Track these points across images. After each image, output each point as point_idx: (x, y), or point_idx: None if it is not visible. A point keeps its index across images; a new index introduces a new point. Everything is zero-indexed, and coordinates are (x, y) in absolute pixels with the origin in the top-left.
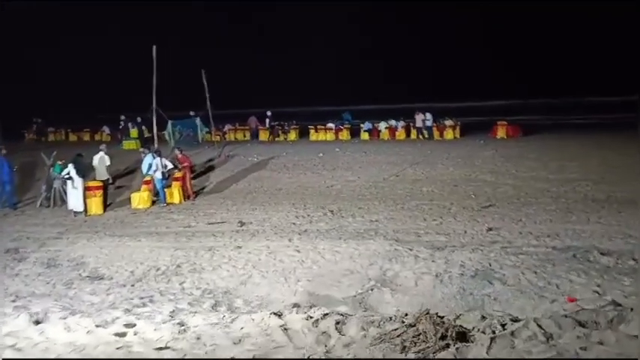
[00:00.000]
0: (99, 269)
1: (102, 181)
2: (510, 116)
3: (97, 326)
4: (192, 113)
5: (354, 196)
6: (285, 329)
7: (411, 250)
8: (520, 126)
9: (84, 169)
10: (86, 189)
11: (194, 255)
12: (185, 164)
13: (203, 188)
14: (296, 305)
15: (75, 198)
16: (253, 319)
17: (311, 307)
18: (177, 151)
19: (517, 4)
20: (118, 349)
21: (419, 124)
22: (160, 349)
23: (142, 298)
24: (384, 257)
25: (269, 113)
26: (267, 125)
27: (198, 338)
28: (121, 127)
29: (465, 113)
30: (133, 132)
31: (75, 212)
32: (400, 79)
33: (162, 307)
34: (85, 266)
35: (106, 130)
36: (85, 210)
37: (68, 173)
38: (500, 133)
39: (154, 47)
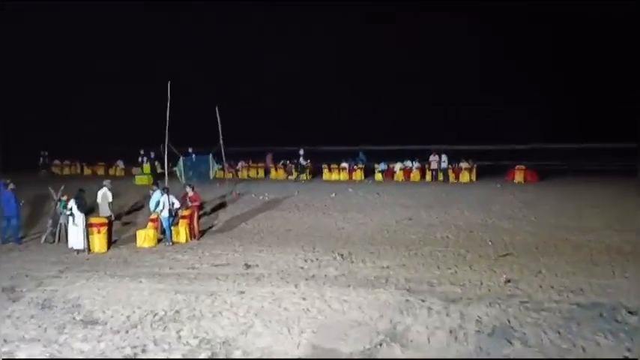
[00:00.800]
0: (94, 313)
1: (106, 217)
2: (527, 160)
3: None
4: (190, 150)
5: (365, 240)
6: None
7: (423, 301)
8: (537, 171)
9: (85, 205)
10: (89, 225)
11: (194, 300)
12: (195, 203)
13: (211, 227)
14: None
15: (75, 235)
16: None
17: None
18: (188, 188)
19: (539, 47)
20: None
21: (434, 165)
22: None
23: (134, 347)
24: (395, 309)
25: (302, 152)
26: (301, 163)
27: None
28: (140, 161)
29: (480, 156)
30: (146, 167)
31: (76, 250)
32: (415, 120)
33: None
34: (80, 309)
35: (120, 164)
36: (88, 247)
37: (70, 209)
38: (518, 177)
39: (169, 83)
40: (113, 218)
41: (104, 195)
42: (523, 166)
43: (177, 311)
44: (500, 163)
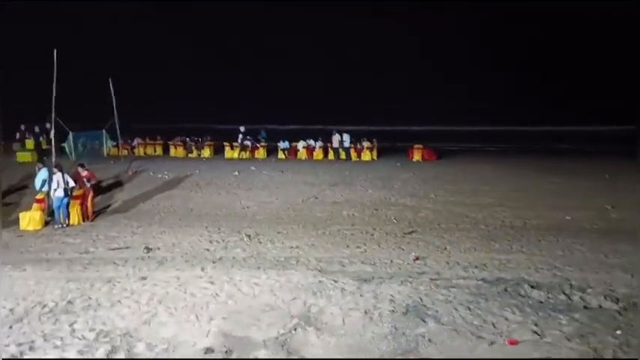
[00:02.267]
0: None
1: None
2: (425, 141)
3: None
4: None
5: (271, 219)
6: None
7: (336, 282)
8: (435, 150)
9: None
10: None
11: (89, 288)
12: (92, 181)
13: (107, 207)
14: (209, 350)
15: None
16: None
17: (226, 352)
18: (79, 168)
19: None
20: None
21: (336, 144)
22: None
23: (20, 344)
24: (308, 290)
25: (242, 129)
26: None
27: None
28: (18, 136)
29: (380, 137)
30: (29, 143)
31: None
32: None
33: (46, 355)
34: None
35: None
36: None
37: None
38: (416, 156)
39: (55, 51)
40: None
41: None
42: (421, 145)
43: (69, 301)
44: (401, 146)
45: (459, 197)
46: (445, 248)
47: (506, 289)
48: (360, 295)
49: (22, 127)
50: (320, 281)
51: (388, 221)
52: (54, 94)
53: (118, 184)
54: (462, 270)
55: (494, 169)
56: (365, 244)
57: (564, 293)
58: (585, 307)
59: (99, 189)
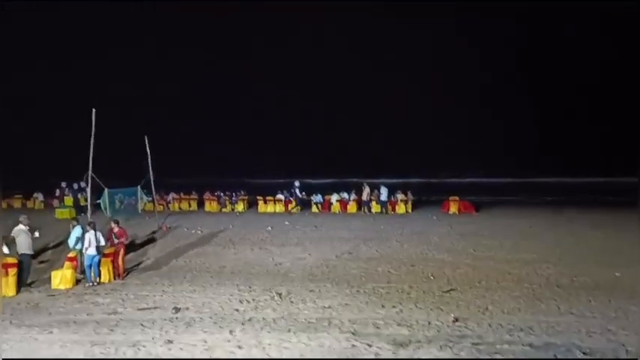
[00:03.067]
0: None
1: (22, 254)
2: (460, 194)
3: None
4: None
5: (304, 276)
6: None
7: (370, 346)
8: (472, 203)
9: None
10: None
11: (114, 353)
12: (122, 239)
13: (138, 264)
14: None
15: None
16: None
17: None
18: (113, 224)
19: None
20: None
21: (365, 197)
22: None
23: None
24: (340, 355)
25: (297, 184)
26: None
27: None
28: (57, 193)
29: (414, 190)
30: (68, 200)
31: None
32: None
33: None
34: None
35: (40, 196)
36: None
37: None
38: (453, 208)
39: (94, 110)
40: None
41: (20, 232)
42: (457, 198)
43: None
44: (434, 199)
45: (500, 253)
46: (487, 308)
47: (556, 356)
48: None
49: (63, 185)
50: (353, 345)
51: (425, 278)
52: (91, 152)
53: (151, 240)
54: (506, 334)
55: (534, 222)
56: (401, 304)
57: None
58: None
59: (131, 246)
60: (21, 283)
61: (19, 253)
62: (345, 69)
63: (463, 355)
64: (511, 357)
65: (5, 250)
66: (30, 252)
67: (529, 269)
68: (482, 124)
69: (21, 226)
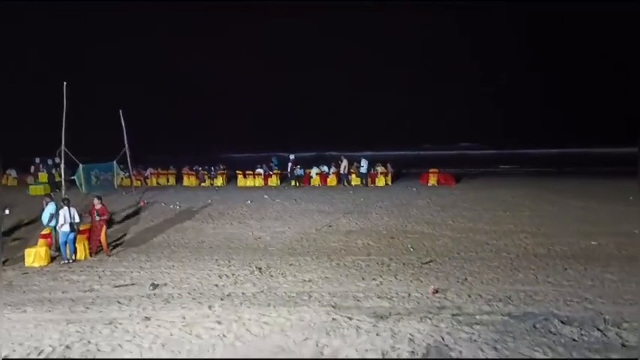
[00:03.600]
0: None
1: None
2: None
3: None
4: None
5: (284, 250)
6: None
7: (350, 319)
8: (452, 174)
9: None
10: None
11: (90, 331)
12: (103, 216)
13: (116, 241)
14: None
15: None
16: None
17: None
18: (95, 200)
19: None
20: None
21: (342, 170)
22: None
23: None
24: (321, 329)
25: (292, 157)
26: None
27: None
28: (32, 170)
29: (394, 163)
30: (42, 176)
31: None
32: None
33: None
34: None
35: (12, 173)
36: None
37: None
38: (432, 180)
39: (65, 84)
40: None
41: None
42: (436, 170)
43: (67, 346)
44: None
45: (479, 224)
46: (466, 279)
47: (535, 326)
48: (377, 335)
49: (37, 160)
50: (334, 319)
51: (405, 250)
52: (63, 127)
53: (129, 216)
54: (485, 304)
55: (513, 194)
56: (381, 276)
57: (598, 329)
58: (623, 345)
59: (110, 222)
60: None
61: None
62: (323, 38)
63: (443, 326)
64: (491, 328)
65: None
66: None
67: (508, 240)
68: (469, 95)
69: None
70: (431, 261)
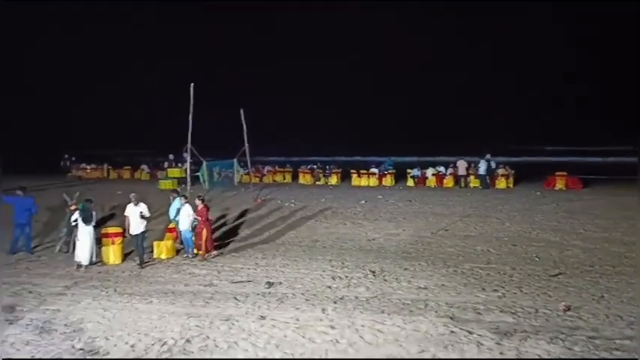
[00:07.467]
0: (96, 340)
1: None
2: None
3: None
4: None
5: (398, 254)
6: None
7: (470, 333)
8: (579, 179)
9: (91, 216)
10: (104, 235)
11: (208, 326)
12: (200, 218)
13: (235, 235)
14: None
15: (79, 248)
16: None
17: None
18: (197, 201)
19: None
20: None
21: (461, 172)
22: None
23: None
24: (438, 342)
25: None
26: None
27: None
28: (166, 165)
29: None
30: (172, 171)
31: (77, 265)
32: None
33: None
34: (81, 334)
35: (145, 168)
36: (101, 260)
37: (75, 220)
38: (560, 184)
39: (192, 85)
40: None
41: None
42: (565, 173)
43: (187, 340)
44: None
45: (614, 233)
46: (602, 297)
47: None
48: (500, 353)
49: (171, 157)
50: (452, 332)
51: (529, 260)
52: (190, 126)
53: (246, 212)
54: (626, 327)
55: None
56: (503, 287)
57: None
58: None
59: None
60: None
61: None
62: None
63: (577, 349)
64: (634, 356)
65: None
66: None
67: None
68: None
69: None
70: (560, 273)
